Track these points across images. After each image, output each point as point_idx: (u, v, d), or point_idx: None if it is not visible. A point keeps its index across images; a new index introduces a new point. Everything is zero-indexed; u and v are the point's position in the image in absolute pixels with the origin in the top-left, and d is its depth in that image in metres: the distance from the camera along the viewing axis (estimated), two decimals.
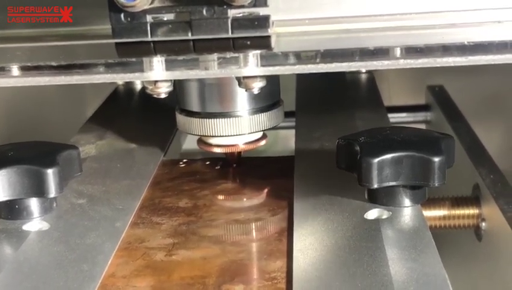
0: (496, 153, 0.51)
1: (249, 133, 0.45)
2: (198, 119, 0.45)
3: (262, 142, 0.47)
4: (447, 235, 0.52)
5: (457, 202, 0.47)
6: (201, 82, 0.44)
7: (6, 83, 0.38)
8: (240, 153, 0.48)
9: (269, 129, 0.46)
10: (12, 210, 0.39)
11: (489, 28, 0.36)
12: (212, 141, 0.46)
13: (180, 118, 0.46)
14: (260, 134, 0.47)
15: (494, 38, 0.35)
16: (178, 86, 0.46)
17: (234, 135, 0.45)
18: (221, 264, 0.36)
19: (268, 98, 0.45)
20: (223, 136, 0.45)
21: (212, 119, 0.44)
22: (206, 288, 0.34)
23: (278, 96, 0.47)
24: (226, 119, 0.44)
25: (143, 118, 0.56)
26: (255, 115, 0.44)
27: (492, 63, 0.35)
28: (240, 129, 0.44)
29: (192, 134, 0.46)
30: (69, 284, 0.33)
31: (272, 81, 0.45)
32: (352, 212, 0.38)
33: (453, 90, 0.66)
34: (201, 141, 0.47)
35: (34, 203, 0.39)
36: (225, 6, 0.34)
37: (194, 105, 0.45)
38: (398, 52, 0.35)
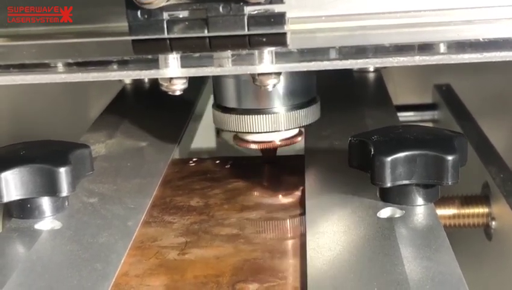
0: (504, 152, 0.51)
1: (285, 130, 0.45)
2: (235, 115, 0.45)
3: (299, 139, 0.47)
4: (457, 234, 0.51)
5: (467, 200, 0.47)
6: (237, 78, 0.44)
7: (22, 80, 0.38)
8: (275, 149, 0.47)
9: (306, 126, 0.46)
10: (24, 209, 0.39)
11: (505, 25, 0.36)
12: (249, 137, 0.46)
13: (217, 114, 0.46)
14: (296, 130, 0.47)
15: (510, 34, 0.35)
16: (214, 82, 0.46)
17: (271, 132, 0.45)
18: (234, 263, 0.36)
19: (305, 95, 0.45)
20: (259, 132, 0.45)
21: (249, 116, 0.44)
22: (220, 287, 0.34)
23: (314, 92, 0.47)
24: (263, 115, 0.44)
25: (152, 117, 0.56)
26: (292, 112, 0.44)
27: (508, 59, 0.35)
28: (276, 125, 0.44)
29: (228, 130, 0.46)
30: (83, 283, 0.33)
31: (309, 77, 0.45)
32: (365, 211, 0.38)
33: (459, 89, 0.66)
34: (237, 137, 0.47)
35: (46, 202, 0.39)
36: (241, 3, 0.34)
37: (231, 101, 0.45)
38: (413, 48, 0.36)
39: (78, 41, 0.37)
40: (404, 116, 0.67)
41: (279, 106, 0.45)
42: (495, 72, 0.74)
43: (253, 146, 0.46)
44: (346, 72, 0.62)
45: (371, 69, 0.63)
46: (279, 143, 0.46)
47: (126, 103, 0.61)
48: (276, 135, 0.46)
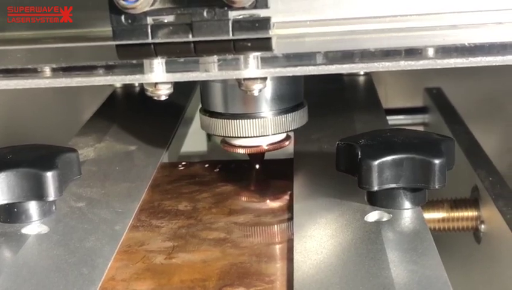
0: (494, 155, 0.51)
1: (273, 134, 0.45)
2: (222, 120, 0.45)
3: (287, 143, 0.47)
4: (446, 237, 0.52)
5: (456, 204, 0.47)
6: (225, 83, 0.44)
7: (6, 85, 0.38)
8: (263, 153, 0.47)
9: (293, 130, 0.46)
10: (11, 213, 0.39)
11: (490, 30, 0.36)
12: (236, 142, 0.46)
13: (204, 118, 0.46)
14: (284, 135, 0.47)
15: (495, 39, 0.35)
16: (202, 86, 0.46)
17: (258, 136, 0.45)
18: (221, 267, 0.36)
19: (293, 99, 0.45)
20: (247, 137, 0.45)
21: (236, 120, 0.44)
22: None
23: (301, 97, 0.46)
24: (250, 120, 0.44)
25: (141, 121, 0.56)
26: (279, 116, 0.44)
27: (494, 64, 0.35)
28: (264, 130, 0.44)
29: (215, 135, 0.46)
30: (69, 287, 0.33)
31: (296, 82, 0.45)
32: (353, 214, 0.38)
33: (450, 93, 0.66)
34: (224, 141, 0.47)
35: (33, 207, 0.39)
36: (226, 8, 0.34)
37: (218, 106, 0.45)
38: (399, 53, 0.36)
39: (63, 46, 0.38)
40: (395, 119, 0.67)
41: (266, 110, 0.44)
42: (486, 76, 0.74)
43: (241, 151, 0.46)
44: (336, 76, 0.62)
45: (361, 72, 0.63)
46: (266, 148, 0.46)
47: (116, 107, 0.61)
48: (263, 140, 0.46)
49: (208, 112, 0.46)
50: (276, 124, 0.44)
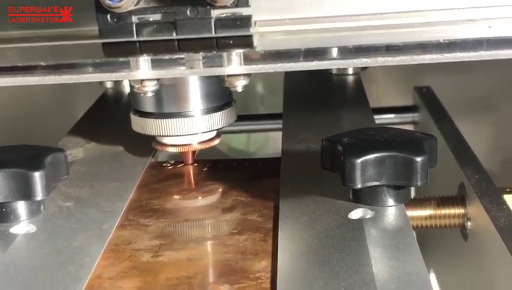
0: (485, 153, 0.52)
1: (202, 133, 0.46)
2: (152, 119, 0.46)
3: (216, 141, 0.48)
4: (435, 234, 0.52)
5: (443, 201, 0.47)
6: None
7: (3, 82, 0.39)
8: (194, 152, 0.48)
9: (223, 128, 0.47)
10: None
11: (463, 26, 0.37)
12: (167, 140, 0.47)
13: (135, 119, 0.47)
14: (214, 133, 0.48)
15: (468, 36, 0.36)
16: (132, 87, 0.47)
17: (188, 135, 0.46)
18: (206, 264, 0.36)
19: (221, 98, 0.46)
20: (177, 135, 0.46)
21: (166, 120, 0.45)
22: (192, 288, 0.34)
23: (230, 96, 0.47)
24: (179, 119, 0.45)
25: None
26: (208, 115, 0.45)
27: (467, 60, 0.36)
28: (193, 128, 0.45)
29: (147, 134, 0.47)
30: (55, 286, 0.34)
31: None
32: (337, 212, 0.39)
33: (441, 91, 0.66)
34: (156, 140, 0.48)
35: (21, 206, 0.40)
36: (208, 7, 0.35)
37: (148, 106, 0.46)
38: (376, 50, 0.36)
39: (51, 45, 0.38)
40: (385, 118, 0.67)
41: (195, 109, 0.45)
42: (477, 74, 0.74)
43: (172, 149, 0.47)
44: (325, 76, 0.63)
45: (350, 72, 0.63)
46: (197, 146, 0.47)
47: (106, 107, 0.61)
48: (193, 138, 0.47)
49: (138, 112, 0.47)
50: (206, 122, 0.45)
